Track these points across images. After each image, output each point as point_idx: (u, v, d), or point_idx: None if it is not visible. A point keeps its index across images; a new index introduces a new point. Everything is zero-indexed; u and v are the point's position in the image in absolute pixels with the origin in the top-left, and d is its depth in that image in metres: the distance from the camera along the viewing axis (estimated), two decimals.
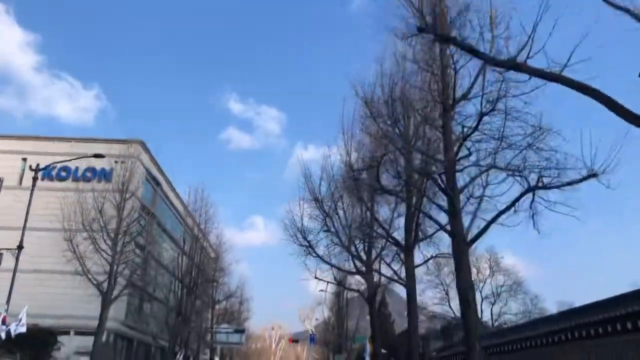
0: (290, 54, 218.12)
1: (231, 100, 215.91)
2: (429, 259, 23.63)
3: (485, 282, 44.54)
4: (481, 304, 49.48)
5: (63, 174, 42.50)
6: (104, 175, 41.38)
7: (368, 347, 27.41)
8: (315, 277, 27.31)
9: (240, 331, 50.86)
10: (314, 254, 26.86)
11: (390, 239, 23.31)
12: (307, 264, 27.13)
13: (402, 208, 23.80)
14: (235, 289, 61.99)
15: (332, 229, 26.64)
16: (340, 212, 26.50)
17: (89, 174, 42.16)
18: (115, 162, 37.28)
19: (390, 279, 25.86)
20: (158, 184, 49.48)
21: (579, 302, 47.02)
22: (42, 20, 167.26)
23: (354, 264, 26.59)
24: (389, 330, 69.94)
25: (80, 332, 38.82)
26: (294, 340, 56.04)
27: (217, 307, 67.73)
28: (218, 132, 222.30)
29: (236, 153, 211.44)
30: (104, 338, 40.11)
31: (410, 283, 21.29)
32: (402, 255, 22.98)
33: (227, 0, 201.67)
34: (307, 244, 26.70)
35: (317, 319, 68.27)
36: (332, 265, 27.03)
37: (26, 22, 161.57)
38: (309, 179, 26.50)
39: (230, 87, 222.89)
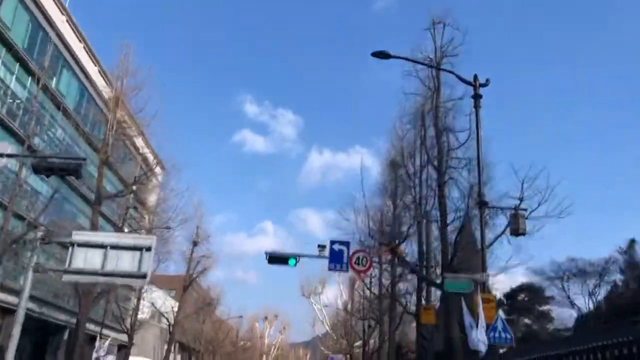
0: (307, 55, 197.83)
1: (247, 103, 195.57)
2: None
3: None
4: None
5: None
6: None
7: None
8: None
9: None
10: None
11: None
12: None
13: None
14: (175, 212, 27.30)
15: None
16: None
17: None
18: None
19: None
20: None
21: None
22: None
23: None
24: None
25: None
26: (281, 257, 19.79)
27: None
28: (231, 134, 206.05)
29: (249, 157, 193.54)
30: None
31: None
32: None
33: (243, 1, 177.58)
34: None
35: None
36: None
37: None
38: None
39: (246, 89, 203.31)
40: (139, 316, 44.95)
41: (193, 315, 42.64)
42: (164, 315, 40.37)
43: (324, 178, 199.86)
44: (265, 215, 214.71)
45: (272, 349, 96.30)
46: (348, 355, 47.86)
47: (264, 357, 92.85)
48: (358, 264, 18.57)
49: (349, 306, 41.49)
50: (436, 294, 19.57)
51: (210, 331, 52.57)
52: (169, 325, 39.67)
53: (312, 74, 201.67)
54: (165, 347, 57.34)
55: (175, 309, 39.49)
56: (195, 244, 41.71)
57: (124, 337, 40.56)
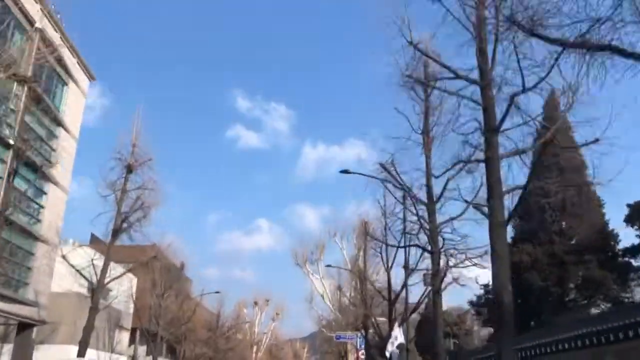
0: (298, 47, 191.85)
1: (238, 98, 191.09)
2: None
3: None
4: None
5: None
6: None
7: None
8: None
9: None
10: None
11: None
12: None
13: None
14: None
15: None
16: None
17: None
18: None
19: None
20: None
21: None
22: None
23: None
24: None
25: None
26: None
27: None
28: (224, 130, 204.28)
29: (243, 153, 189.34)
30: None
31: None
32: None
33: None
34: None
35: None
36: None
37: None
38: None
39: (237, 83, 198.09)
40: (56, 289, 30.99)
41: (124, 271, 28.54)
42: (83, 276, 26.18)
43: (318, 172, 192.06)
44: (260, 212, 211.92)
45: (264, 339, 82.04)
46: (363, 331, 34.12)
47: (255, 348, 78.54)
48: None
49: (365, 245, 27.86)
50: None
51: (172, 308, 38.41)
52: (91, 289, 25.63)
53: (305, 64, 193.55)
54: (117, 333, 43.18)
55: (100, 266, 25.33)
56: (129, 169, 27.71)
57: (25, 311, 26.56)
